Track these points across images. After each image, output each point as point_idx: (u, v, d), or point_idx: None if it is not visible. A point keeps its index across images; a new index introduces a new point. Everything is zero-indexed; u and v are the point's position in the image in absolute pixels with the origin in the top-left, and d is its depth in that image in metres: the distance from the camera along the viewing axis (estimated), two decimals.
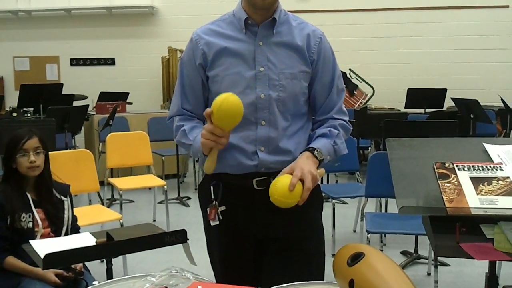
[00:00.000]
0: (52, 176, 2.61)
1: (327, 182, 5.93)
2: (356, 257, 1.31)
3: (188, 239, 1.73)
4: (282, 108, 1.79)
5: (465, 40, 8.01)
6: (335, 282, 1.42)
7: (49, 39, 8.38)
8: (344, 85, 7.04)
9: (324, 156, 1.76)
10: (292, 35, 1.82)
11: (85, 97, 7.60)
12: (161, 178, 5.30)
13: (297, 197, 1.64)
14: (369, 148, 7.00)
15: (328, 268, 1.51)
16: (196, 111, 1.91)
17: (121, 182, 4.92)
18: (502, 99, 6.27)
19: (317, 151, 1.74)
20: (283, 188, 1.64)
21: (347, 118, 1.92)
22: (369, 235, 3.41)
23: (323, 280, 1.66)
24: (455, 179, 1.66)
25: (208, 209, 1.83)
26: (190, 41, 1.87)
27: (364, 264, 1.27)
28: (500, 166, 1.71)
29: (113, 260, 1.81)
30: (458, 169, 1.70)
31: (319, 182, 1.82)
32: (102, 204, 4.71)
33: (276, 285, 1.47)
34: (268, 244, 1.88)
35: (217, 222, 1.75)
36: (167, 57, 8.13)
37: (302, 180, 1.65)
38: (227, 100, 1.62)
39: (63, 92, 6.77)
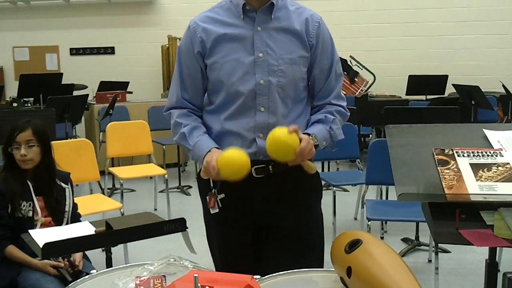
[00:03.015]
0: (55, 167, 2.59)
1: (328, 170, 5.93)
2: (354, 244, 1.30)
3: (187, 228, 1.73)
4: (282, 94, 1.78)
5: (467, 26, 7.95)
6: (333, 269, 1.42)
7: (48, 28, 8.34)
8: (345, 72, 7.04)
9: (319, 142, 1.76)
10: (291, 20, 1.80)
11: (85, 87, 7.57)
12: (162, 167, 5.29)
13: (295, 142, 1.62)
14: (370, 135, 6.99)
15: (328, 255, 1.50)
16: (194, 100, 1.89)
17: (121, 171, 4.92)
18: (503, 85, 6.24)
19: (311, 136, 1.74)
20: (283, 129, 1.63)
21: (344, 104, 1.91)
22: (370, 222, 3.41)
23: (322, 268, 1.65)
24: (454, 166, 1.65)
25: (207, 197, 1.82)
26: (187, 29, 1.85)
27: (361, 251, 1.27)
28: (500, 152, 1.69)
29: (114, 249, 1.81)
30: (458, 156, 1.69)
31: (319, 170, 1.82)
32: (103, 193, 4.72)
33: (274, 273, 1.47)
34: (268, 233, 1.88)
35: (217, 210, 1.75)
36: (167, 45, 8.09)
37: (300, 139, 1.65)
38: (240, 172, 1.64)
39: (63, 82, 6.74)
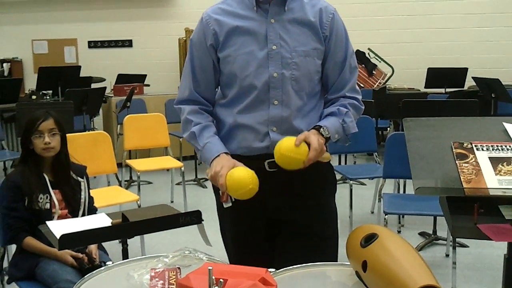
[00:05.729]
0: (69, 158, 2.63)
1: (345, 163, 5.90)
2: (370, 238, 1.29)
3: (203, 220, 1.73)
4: (296, 87, 1.76)
5: (487, 18, 7.83)
6: (349, 263, 1.41)
7: (67, 21, 8.40)
8: (363, 65, 6.97)
9: (331, 134, 1.73)
10: (305, 11, 1.78)
11: (103, 80, 7.62)
12: (178, 159, 5.32)
13: (303, 154, 1.61)
14: (388, 128, 6.93)
15: (343, 249, 1.50)
16: (206, 94, 1.87)
17: (139, 164, 4.96)
18: None
19: (323, 128, 1.72)
20: (289, 143, 1.61)
21: (359, 97, 1.88)
22: (387, 216, 3.38)
23: (336, 262, 1.64)
24: (473, 159, 1.62)
25: (220, 191, 1.82)
26: (200, 22, 1.83)
27: (377, 245, 1.26)
28: None
29: (131, 241, 1.81)
30: (477, 149, 1.66)
31: (333, 163, 1.79)
32: (120, 185, 4.75)
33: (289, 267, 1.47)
34: (281, 227, 1.86)
35: (230, 204, 1.75)
36: (184, 38, 8.10)
37: (308, 144, 1.63)
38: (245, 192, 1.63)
39: (81, 75, 6.80)
